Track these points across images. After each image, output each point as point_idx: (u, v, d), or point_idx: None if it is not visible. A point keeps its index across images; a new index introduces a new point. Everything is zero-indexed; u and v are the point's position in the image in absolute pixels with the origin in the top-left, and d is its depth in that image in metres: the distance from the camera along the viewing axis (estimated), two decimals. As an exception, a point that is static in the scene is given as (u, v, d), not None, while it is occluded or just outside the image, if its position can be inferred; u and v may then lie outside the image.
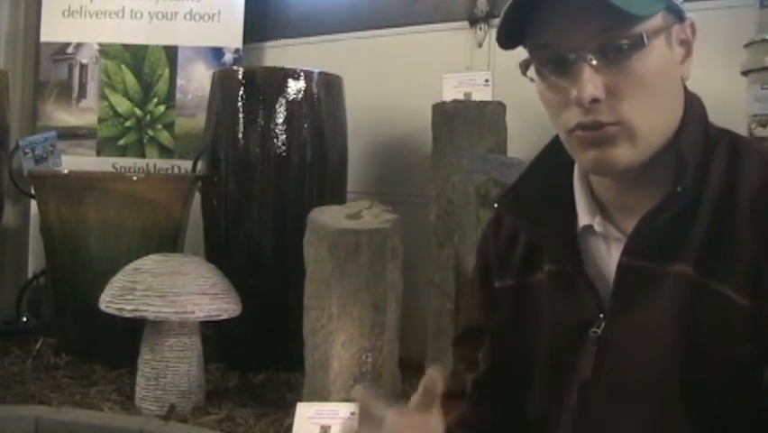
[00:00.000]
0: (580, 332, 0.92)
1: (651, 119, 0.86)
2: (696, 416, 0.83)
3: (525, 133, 2.51)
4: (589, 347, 0.91)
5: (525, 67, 0.91)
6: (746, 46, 2.04)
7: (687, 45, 0.91)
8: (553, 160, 0.98)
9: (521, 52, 0.93)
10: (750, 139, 1.74)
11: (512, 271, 1.02)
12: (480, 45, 2.91)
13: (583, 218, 0.95)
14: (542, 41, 0.87)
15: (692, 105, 0.92)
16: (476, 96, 2.53)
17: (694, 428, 0.84)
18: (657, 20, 0.85)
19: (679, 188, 0.85)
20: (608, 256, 0.93)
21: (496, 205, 1.03)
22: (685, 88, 0.93)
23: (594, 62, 0.84)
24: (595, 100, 0.84)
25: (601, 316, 0.91)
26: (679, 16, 0.89)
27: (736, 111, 1.96)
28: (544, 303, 0.98)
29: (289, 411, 2.04)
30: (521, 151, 2.47)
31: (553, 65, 0.87)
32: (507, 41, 0.90)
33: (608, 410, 0.89)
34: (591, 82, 0.84)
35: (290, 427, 1.94)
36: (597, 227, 0.94)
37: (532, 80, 0.91)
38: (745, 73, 2.03)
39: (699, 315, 0.83)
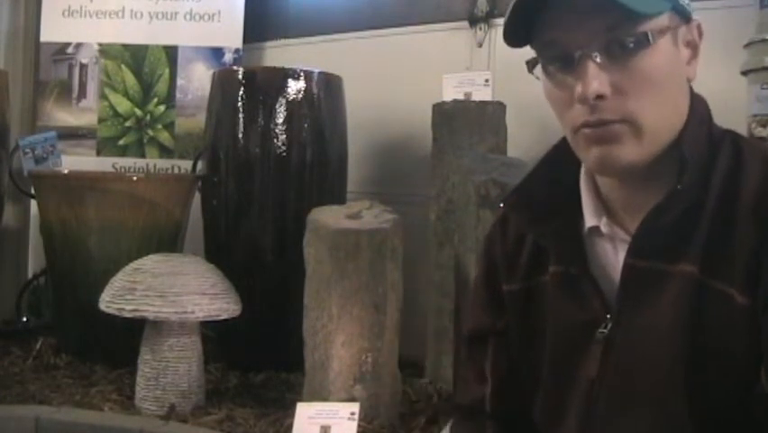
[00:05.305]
0: (587, 332, 0.92)
1: (656, 117, 0.86)
2: (700, 415, 0.84)
3: (525, 133, 2.52)
4: (595, 347, 0.91)
5: (531, 65, 0.91)
6: (746, 46, 2.04)
7: (693, 46, 0.91)
8: (560, 160, 0.98)
9: (522, 53, 0.93)
10: (754, 140, 1.74)
11: (519, 274, 1.02)
12: (480, 45, 2.91)
13: (590, 220, 0.95)
14: (548, 38, 0.87)
15: (696, 105, 0.92)
16: (476, 97, 2.53)
17: (699, 428, 0.84)
18: (663, 20, 0.86)
19: (679, 186, 0.85)
20: (615, 257, 0.93)
21: (501, 204, 1.03)
22: (690, 89, 0.93)
23: (599, 60, 0.84)
24: (600, 97, 0.84)
25: (608, 316, 0.91)
26: (685, 17, 0.89)
27: (736, 111, 1.96)
28: (549, 305, 0.98)
29: (289, 411, 2.04)
30: (521, 151, 2.47)
31: (560, 62, 0.87)
32: (513, 38, 0.90)
33: (614, 410, 0.90)
34: (597, 79, 0.84)
35: (290, 427, 1.94)
36: (603, 228, 0.94)
37: (538, 78, 0.91)
38: (744, 73, 2.03)
39: (704, 314, 0.84)
